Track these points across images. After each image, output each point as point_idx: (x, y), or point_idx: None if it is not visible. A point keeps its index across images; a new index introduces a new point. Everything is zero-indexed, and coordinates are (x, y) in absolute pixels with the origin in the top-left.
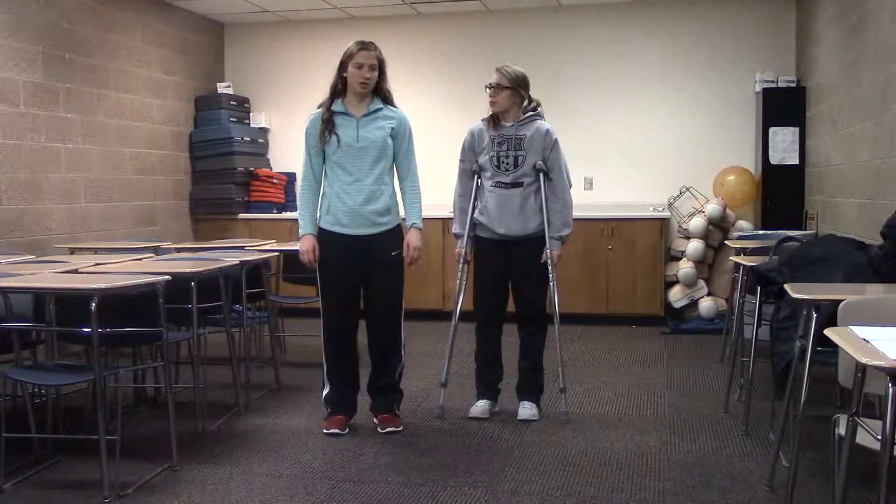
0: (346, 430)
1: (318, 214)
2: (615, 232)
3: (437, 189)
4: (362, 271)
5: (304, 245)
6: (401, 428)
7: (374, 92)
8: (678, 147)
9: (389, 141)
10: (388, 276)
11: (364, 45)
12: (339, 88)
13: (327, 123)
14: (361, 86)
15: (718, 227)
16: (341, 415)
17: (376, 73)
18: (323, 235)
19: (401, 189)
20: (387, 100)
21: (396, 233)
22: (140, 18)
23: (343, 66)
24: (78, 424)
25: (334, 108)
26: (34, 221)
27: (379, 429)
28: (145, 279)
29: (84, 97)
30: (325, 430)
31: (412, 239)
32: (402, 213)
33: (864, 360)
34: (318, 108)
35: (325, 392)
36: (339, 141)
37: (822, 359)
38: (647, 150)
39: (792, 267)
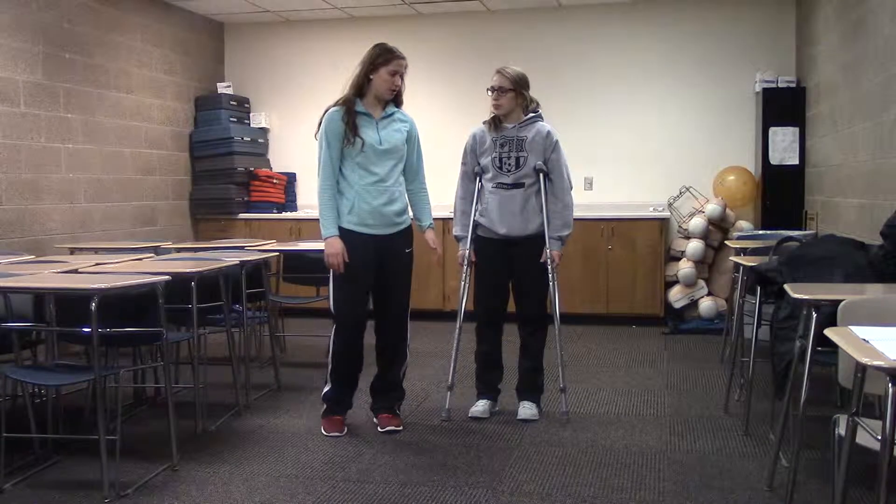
0: (345, 430)
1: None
2: (615, 232)
3: (436, 189)
4: (379, 271)
5: (334, 248)
6: (401, 428)
7: None
8: (678, 147)
9: (405, 144)
10: (404, 276)
11: (400, 53)
12: (363, 90)
13: (350, 125)
14: (391, 92)
15: (718, 227)
16: (338, 415)
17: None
18: (346, 235)
19: (411, 191)
20: (398, 102)
21: (409, 232)
22: (140, 18)
23: (373, 67)
24: (78, 424)
25: (357, 108)
26: (34, 221)
27: (379, 428)
28: (145, 279)
29: (84, 97)
30: (325, 433)
31: (433, 237)
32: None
33: (864, 360)
34: (336, 105)
35: (325, 389)
36: (363, 143)
37: (822, 359)
38: (647, 150)
39: (792, 267)
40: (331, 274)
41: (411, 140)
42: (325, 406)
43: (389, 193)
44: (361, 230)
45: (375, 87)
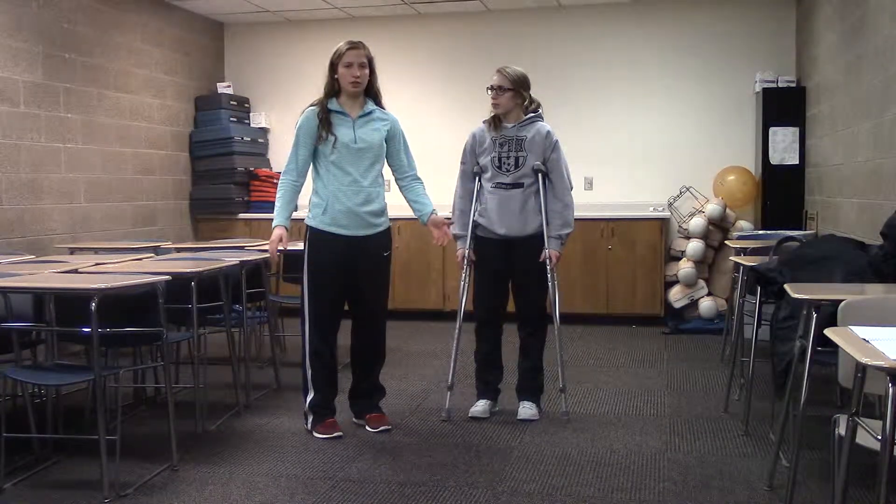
0: (341, 430)
1: (311, 213)
2: (615, 232)
3: (436, 189)
4: (353, 272)
5: (274, 235)
6: (390, 426)
7: (365, 93)
8: (678, 147)
9: (384, 143)
10: (380, 278)
11: (353, 44)
12: (335, 90)
13: (325, 122)
14: (353, 85)
15: (718, 227)
16: (329, 417)
17: (367, 72)
18: (319, 236)
19: (404, 184)
20: (377, 101)
21: (388, 234)
22: (140, 18)
23: (333, 66)
24: (78, 424)
25: (331, 106)
26: (34, 221)
27: (370, 428)
28: (145, 279)
29: (84, 97)
30: (323, 436)
31: (441, 222)
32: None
33: (864, 360)
34: (312, 105)
35: (310, 398)
36: (336, 140)
37: (822, 359)
38: (647, 150)
39: (792, 267)
40: (304, 275)
41: (395, 137)
42: (312, 415)
43: (365, 194)
44: (335, 231)
45: (342, 85)
